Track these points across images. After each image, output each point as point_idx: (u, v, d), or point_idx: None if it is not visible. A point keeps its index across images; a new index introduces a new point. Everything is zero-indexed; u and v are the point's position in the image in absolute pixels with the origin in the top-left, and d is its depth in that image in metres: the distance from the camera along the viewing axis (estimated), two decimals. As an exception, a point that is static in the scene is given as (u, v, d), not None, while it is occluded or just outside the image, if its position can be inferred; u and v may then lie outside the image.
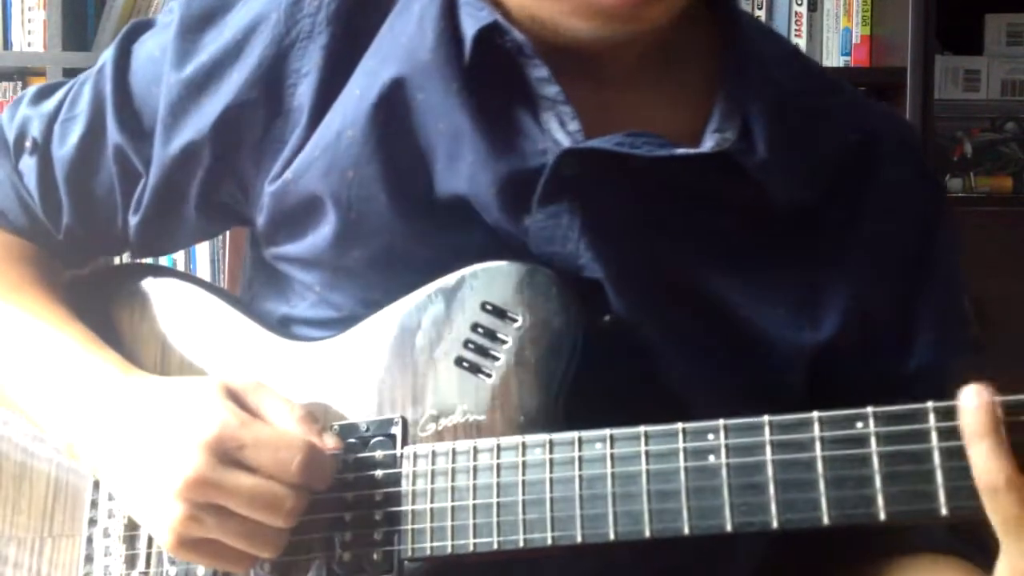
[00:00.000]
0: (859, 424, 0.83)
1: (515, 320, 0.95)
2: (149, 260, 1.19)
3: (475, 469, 0.92)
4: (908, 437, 0.82)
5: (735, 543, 0.99)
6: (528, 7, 0.95)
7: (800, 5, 2.52)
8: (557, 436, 0.90)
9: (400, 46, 1.00)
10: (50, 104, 1.11)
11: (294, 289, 1.05)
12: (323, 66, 1.01)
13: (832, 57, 2.54)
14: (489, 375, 0.95)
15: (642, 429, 0.88)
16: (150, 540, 1.02)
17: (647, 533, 0.87)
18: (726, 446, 0.86)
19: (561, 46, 0.97)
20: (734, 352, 0.99)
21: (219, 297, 1.09)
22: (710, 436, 0.86)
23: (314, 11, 1.01)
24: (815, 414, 0.85)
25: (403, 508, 0.94)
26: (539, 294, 0.95)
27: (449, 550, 0.92)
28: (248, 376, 0.98)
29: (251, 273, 1.14)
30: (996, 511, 0.78)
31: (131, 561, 1.03)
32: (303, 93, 1.01)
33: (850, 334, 1.01)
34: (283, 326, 1.06)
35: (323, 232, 1.01)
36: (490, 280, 0.96)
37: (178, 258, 2.50)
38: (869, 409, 0.83)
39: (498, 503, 0.91)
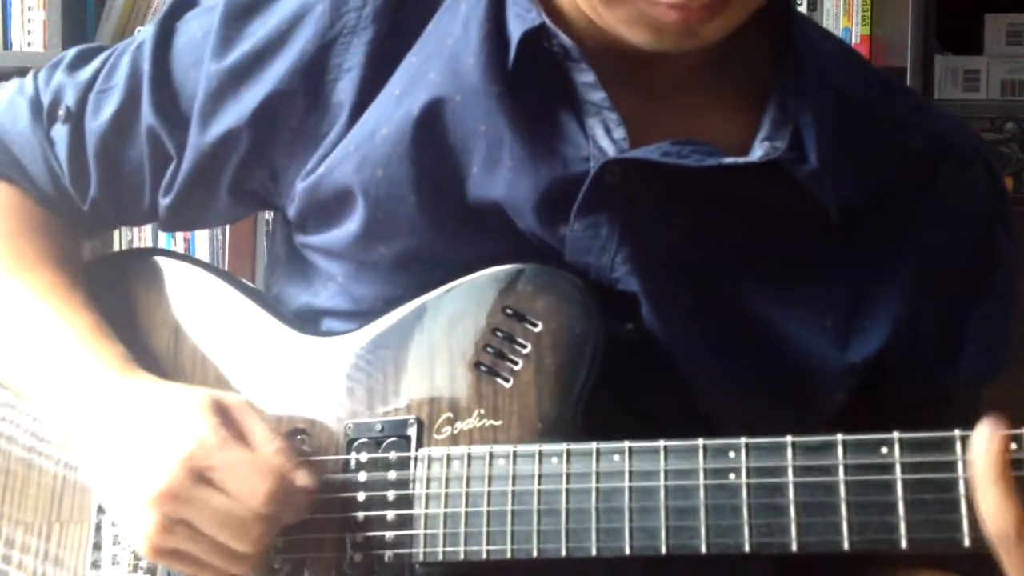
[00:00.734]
0: (883, 450, 0.83)
1: (535, 325, 0.94)
2: (166, 246, 1.18)
3: (490, 477, 0.91)
4: (934, 466, 0.81)
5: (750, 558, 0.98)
6: (587, 11, 0.93)
7: (800, 5, 2.50)
8: (575, 446, 0.89)
9: (445, 48, 0.98)
10: (87, 72, 1.09)
11: (319, 277, 1.04)
12: (365, 63, 0.99)
13: (832, 55, 2.52)
14: (507, 380, 0.94)
15: (661, 443, 0.88)
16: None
17: (663, 549, 0.86)
18: (748, 467, 0.85)
19: (611, 50, 0.95)
20: (769, 371, 0.97)
21: (236, 288, 1.08)
22: (731, 454, 0.86)
23: (360, 6, 0.99)
24: (839, 437, 0.84)
25: (416, 511, 0.93)
26: (561, 299, 0.93)
27: (462, 556, 0.91)
28: (238, 395, 0.98)
29: (277, 256, 1.12)
30: (1010, 560, 0.78)
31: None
32: (343, 89, 0.99)
33: (897, 344, 0.98)
34: (301, 315, 1.05)
35: (350, 226, 0.99)
36: (511, 283, 0.95)
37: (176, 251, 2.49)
38: (895, 435, 0.83)
39: (513, 511, 0.90)
